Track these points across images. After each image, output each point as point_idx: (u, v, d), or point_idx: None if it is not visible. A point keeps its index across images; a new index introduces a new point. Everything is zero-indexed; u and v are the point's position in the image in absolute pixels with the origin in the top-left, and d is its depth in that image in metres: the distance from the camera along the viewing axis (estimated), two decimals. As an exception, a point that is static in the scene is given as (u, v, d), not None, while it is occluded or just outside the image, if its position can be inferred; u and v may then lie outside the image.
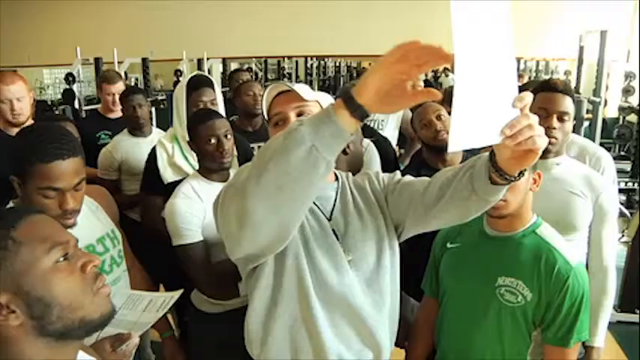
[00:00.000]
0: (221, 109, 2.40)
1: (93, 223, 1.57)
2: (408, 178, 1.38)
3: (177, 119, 2.35)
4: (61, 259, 0.88)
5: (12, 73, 2.74)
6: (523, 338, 1.53)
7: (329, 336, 1.32)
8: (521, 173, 1.03)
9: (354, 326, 1.34)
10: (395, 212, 1.36)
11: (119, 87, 3.33)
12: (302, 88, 1.31)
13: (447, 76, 9.74)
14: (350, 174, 1.47)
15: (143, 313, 1.39)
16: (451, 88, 0.98)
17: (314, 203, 1.34)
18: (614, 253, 1.90)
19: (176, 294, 1.43)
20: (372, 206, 1.38)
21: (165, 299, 1.41)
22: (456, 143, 0.93)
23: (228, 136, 1.90)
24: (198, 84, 2.39)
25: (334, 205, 1.37)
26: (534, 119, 0.92)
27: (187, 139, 2.02)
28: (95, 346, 1.29)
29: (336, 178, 1.43)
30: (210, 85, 2.42)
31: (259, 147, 2.96)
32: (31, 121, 2.48)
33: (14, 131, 2.40)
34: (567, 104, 1.83)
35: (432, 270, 1.74)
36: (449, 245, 1.66)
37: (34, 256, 0.85)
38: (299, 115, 1.30)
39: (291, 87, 1.29)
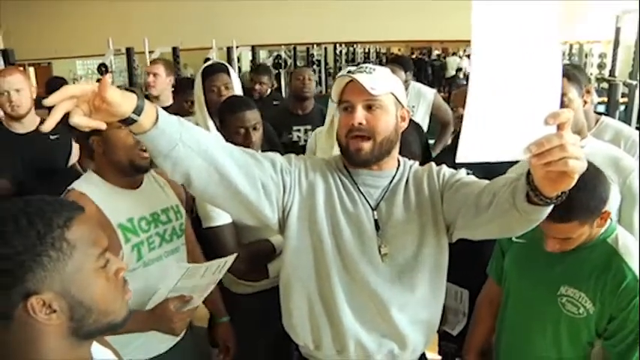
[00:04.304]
0: (237, 93, 2.46)
1: (160, 194, 1.68)
2: (469, 178, 1.36)
3: (197, 106, 2.42)
4: (104, 265, 0.89)
5: (11, 67, 2.77)
6: (582, 347, 1.47)
7: (349, 318, 1.34)
8: (559, 197, 0.97)
9: (378, 314, 1.35)
10: (448, 210, 1.33)
11: None
12: (375, 79, 1.31)
13: (453, 54, 9.30)
14: (416, 163, 1.46)
15: (201, 279, 1.46)
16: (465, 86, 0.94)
17: (359, 189, 1.37)
18: None
19: (230, 259, 1.49)
20: (422, 201, 1.36)
21: (219, 265, 1.48)
22: (466, 154, 0.86)
23: (257, 128, 1.93)
24: (212, 70, 2.46)
25: (383, 194, 1.38)
26: (570, 139, 0.84)
27: (208, 123, 2.08)
28: (158, 307, 1.44)
29: (398, 167, 1.42)
30: (224, 70, 2.47)
31: (306, 130, 3.04)
32: (34, 115, 2.49)
33: (16, 126, 2.44)
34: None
35: (498, 256, 1.71)
36: (515, 239, 1.59)
37: (84, 261, 0.86)
38: (368, 107, 1.32)
39: (363, 83, 1.28)
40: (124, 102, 1.01)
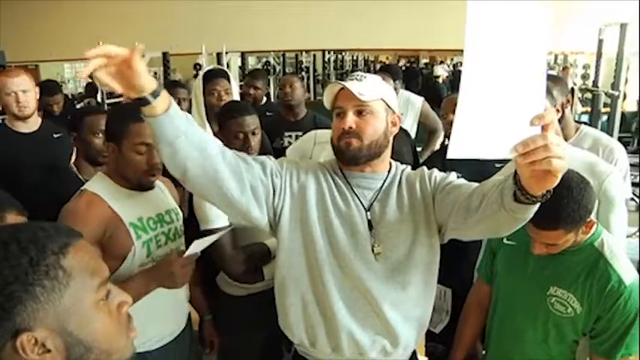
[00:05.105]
0: (236, 99, 2.54)
1: (163, 197, 1.77)
2: (460, 180, 1.41)
3: (195, 110, 2.47)
4: (105, 297, 0.81)
5: (16, 67, 2.82)
6: (568, 344, 1.54)
7: (342, 315, 1.38)
8: (544, 195, 1.01)
9: (372, 311, 1.39)
10: (439, 212, 1.38)
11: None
12: (365, 86, 1.37)
13: (441, 63, 9.47)
14: (408, 167, 1.52)
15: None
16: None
17: (352, 191, 1.42)
18: (623, 240, 1.86)
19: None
20: (415, 202, 1.41)
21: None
22: (457, 150, 0.91)
23: (256, 133, 1.97)
24: (213, 75, 2.55)
25: (376, 195, 1.43)
26: (554, 140, 0.89)
27: (205, 126, 2.12)
28: (161, 260, 1.55)
29: (390, 170, 1.48)
30: (225, 76, 2.56)
31: (297, 136, 3.09)
32: (37, 117, 2.55)
33: (20, 126, 2.48)
34: None
35: (488, 256, 1.77)
36: (505, 241, 1.64)
37: (83, 293, 0.76)
38: (358, 112, 1.37)
39: (352, 90, 1.34)
40: (146, 77, 1.08)
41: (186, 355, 1.82)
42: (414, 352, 1.54)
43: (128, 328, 0.85)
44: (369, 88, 1.38)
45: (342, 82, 1.38)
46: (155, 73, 8.84)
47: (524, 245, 1.56)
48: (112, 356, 0.80)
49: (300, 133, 3.13)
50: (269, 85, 8.14)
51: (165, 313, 1.70)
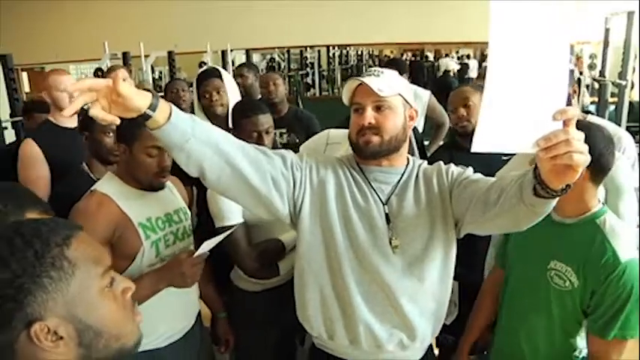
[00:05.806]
0: (234, 97, 2.57)
1: (172, 197, 1.79)
2: (477, 175, 1.42)
3: (196, 109, 2.52)
4: (109, 284, 0.85)
5: (58, 69, 2.93)
6: (572, 323, 1.54)
7: (361, 308, 1.39)
8: (564, 189, 1.01)
9: (390, 304, 1.40)
10: (457, 206, 1.39)
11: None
12: (383, 82, 1.38)
13: (446, 55, 9.46)
14: (425, 162, 1.53)
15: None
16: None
17: (370, 185, 1.43)
18: (634, 227, 1.86)
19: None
20: (432, 197, 1.42)
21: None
22: (481, 144, 0.92)
23: (269, 131, 1.97)
24: (204, 76, 2.60)
25: (394, 190, 1.44)
26: (575, 135, 0.89)
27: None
28: (171, 260, 1.57)
29: (407, 164, 1.49)
30: (217, 75, 2.60)
31: (281, 134, 3.10)
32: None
33: (65, 121, 2.56)
34: None
35: (502, 243, 1.78)
36: None
37: (88, 281, 0.80)
38: (377, 108, 1.39)
39: (371, 85, 1.35)
40: (137, 97, 1.09)
41: (196, 350, 1.83)
42: (430, 346, 1.55)
43: (133, 312, 0.89)
44: (387, 83, 1.39)
45: (361, 78, 1.39)
46: (160, 72, 8.92)
47: (536, 225, 1.57)
48: (120, 340, 0.84)
49: (283, 130, 3.17)
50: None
51: (175, 311, 1.72)
